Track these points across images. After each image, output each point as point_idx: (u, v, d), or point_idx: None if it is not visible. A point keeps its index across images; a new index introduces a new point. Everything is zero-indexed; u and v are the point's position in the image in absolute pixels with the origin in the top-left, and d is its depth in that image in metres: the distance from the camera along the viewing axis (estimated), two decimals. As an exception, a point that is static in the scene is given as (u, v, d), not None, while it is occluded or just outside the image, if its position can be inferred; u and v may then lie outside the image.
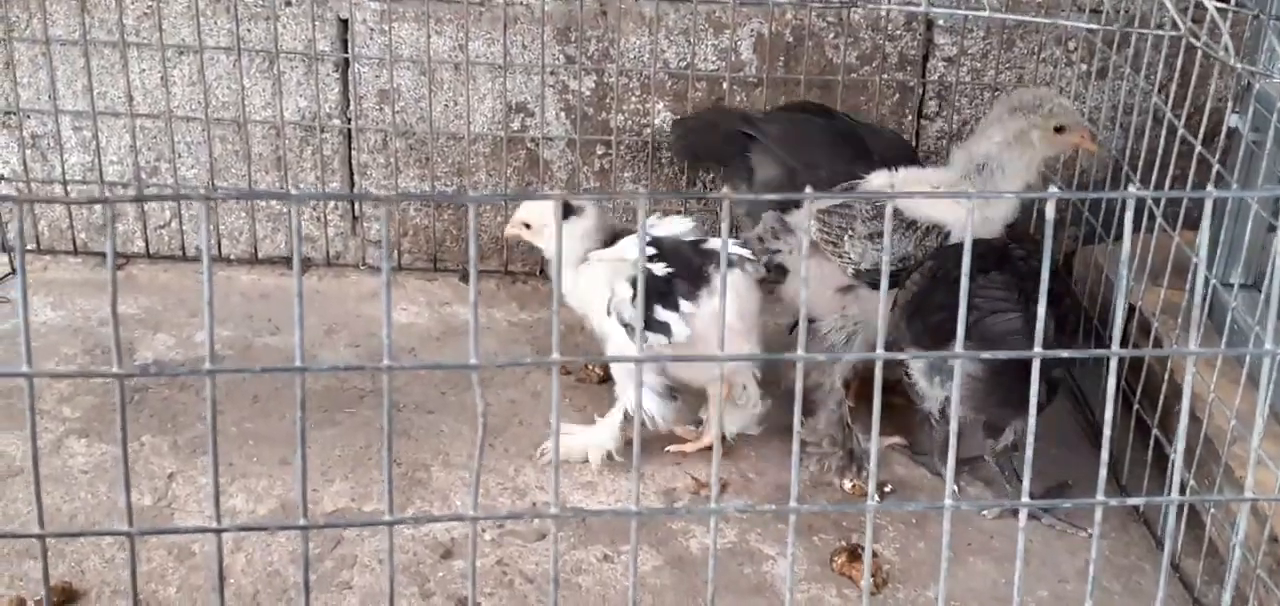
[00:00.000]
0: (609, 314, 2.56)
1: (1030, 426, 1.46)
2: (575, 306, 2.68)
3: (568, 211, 2.63)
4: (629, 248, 2.57)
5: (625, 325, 2.53)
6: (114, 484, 2.51)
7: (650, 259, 2.53)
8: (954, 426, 1.44)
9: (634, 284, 2.50)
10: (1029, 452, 1.46)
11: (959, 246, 2.56)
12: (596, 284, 2.59)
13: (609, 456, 2.63)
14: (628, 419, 2.62)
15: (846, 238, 2.64)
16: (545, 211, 2.67)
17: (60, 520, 2.42)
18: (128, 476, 1.33)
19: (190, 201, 3.28)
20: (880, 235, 2.63)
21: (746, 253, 2.61)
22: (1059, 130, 2.60)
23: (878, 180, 2.67)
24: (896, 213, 2.62)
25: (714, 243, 2.57)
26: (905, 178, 2.67)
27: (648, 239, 2.53)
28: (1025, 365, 2.31)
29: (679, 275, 2.52)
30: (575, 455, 2.64)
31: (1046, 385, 2.41)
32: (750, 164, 2.89)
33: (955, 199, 2.58)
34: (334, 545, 2.40)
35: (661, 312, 2.50)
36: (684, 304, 2.50)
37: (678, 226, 2.64)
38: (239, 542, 2.37)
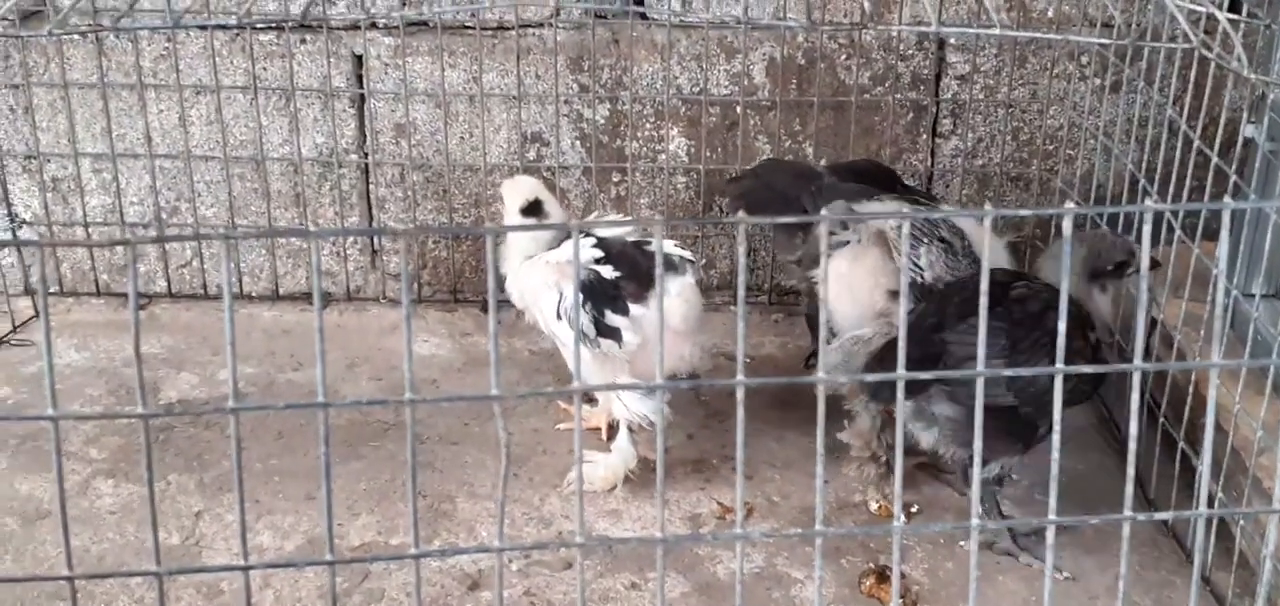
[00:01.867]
0: (559, 317, 2.58)
1: (1056, 447, 1.46)
2: (516, 301, 2.72)
3: (535, 210, 2.68)
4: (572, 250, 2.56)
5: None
6: (142, 524, 2.52)
7: (596, 261, 2.54)
8: (978, 447, 1.44)
9: (589, 288, 2.52)
10: (1054, 468, 1.45)
11: (962, 281, 2.54)
12: (543, 284, 2.62)
13: (629, 476, 2.64)
14: (634, 431, 2.63)
15: (923, 245, 2.64)
16: (516, 192, 2.72)
17: (89, 561, 2.43)
18: (155, 516, 1.33)
19: (211, 241, 3.30)
20: (951, 251, 2.66)
21: (687, 254, 2.60)
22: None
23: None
24: (962, 241, 2.67)
25: (669, 248, 2.58)
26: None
27: (593, 241, 2.58)
28: (1003, 409, 2.31)
29: (626, 278, 2.52)
30: (599, 483, 2.64)
31: (1025, 427, 2.38)
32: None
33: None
34: (362, 579, 2.40)
35: (612, 317, 2.51)
36: (633, 308, 2.51)
37: (620, 228, 2.66)
38: (267, 579, 2.38)
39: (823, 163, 3.14)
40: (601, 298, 2.51)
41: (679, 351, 2.56)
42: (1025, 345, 2.32)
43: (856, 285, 2.63)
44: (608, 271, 2.52)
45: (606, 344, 2.51)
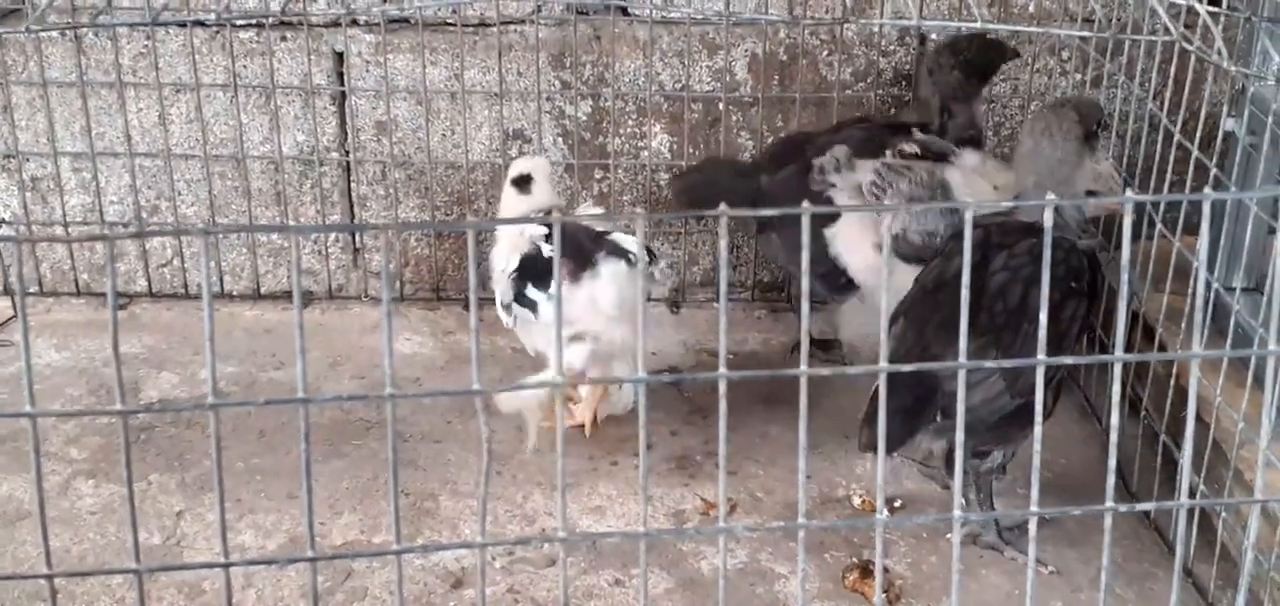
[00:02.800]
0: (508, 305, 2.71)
1: (1037, 440, 1.46)
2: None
3: (524, 183, 2.79)
4: (534, 226, 2.67)
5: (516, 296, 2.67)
6: (122, 524, 2.51)
7: (545, 238, 2.64)
8: (960, 438, 1.44)
9: (524, 260, 2.65)
10: (1036, 460, 1.45)
11: (940, 278, 2.47)
12: (501, 252, 2.74)
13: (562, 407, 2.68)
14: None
15: (889, 196, 2.68)
16: (515, 166, 2.84)
17: (69, 561, 2.42)
18: (134, 513, 1.32)
19: (191, 238, 3.28)
20: (922, 211, 2.68)
21: (633, 246, 2.62)
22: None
23: (953, 171, 2.74)
24: (942, 193, 2.69)
25: (618, 236, 2.64)
26: (966, 164, 2.74)
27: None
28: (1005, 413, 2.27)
29: (567, 256, 2.59)
30: (526, 405, 2.63)
31: (1028, 412, 2.36)
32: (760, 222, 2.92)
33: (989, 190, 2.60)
34: (344, 577, 2.40)
35: (532, 291, 2.64)
36: (566, 286, 2.58)
37: (592, 215, 2.78)
38: (249, 578, 2.37)
39: (747, 156, 3.18)
40: (531, 271, 2.63)
41: (608, 334, 2.62)
42: (1015, 344, 2.28)
43: (853, 241, 2.73)
44: (546, 249, 2.62)
45: (519, 311, 2.66)
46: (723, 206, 1.26)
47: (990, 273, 2.33)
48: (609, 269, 2.59)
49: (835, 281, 2.82)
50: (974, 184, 2.70)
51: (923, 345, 2.34)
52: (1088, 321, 2.40)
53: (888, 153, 2.79)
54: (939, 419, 2.29)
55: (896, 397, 2.29)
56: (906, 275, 2.61)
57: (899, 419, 2.26)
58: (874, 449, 2.27)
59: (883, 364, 1.38)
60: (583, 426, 2.82)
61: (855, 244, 2.76)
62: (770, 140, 3.18)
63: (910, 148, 2.80)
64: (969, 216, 1.36)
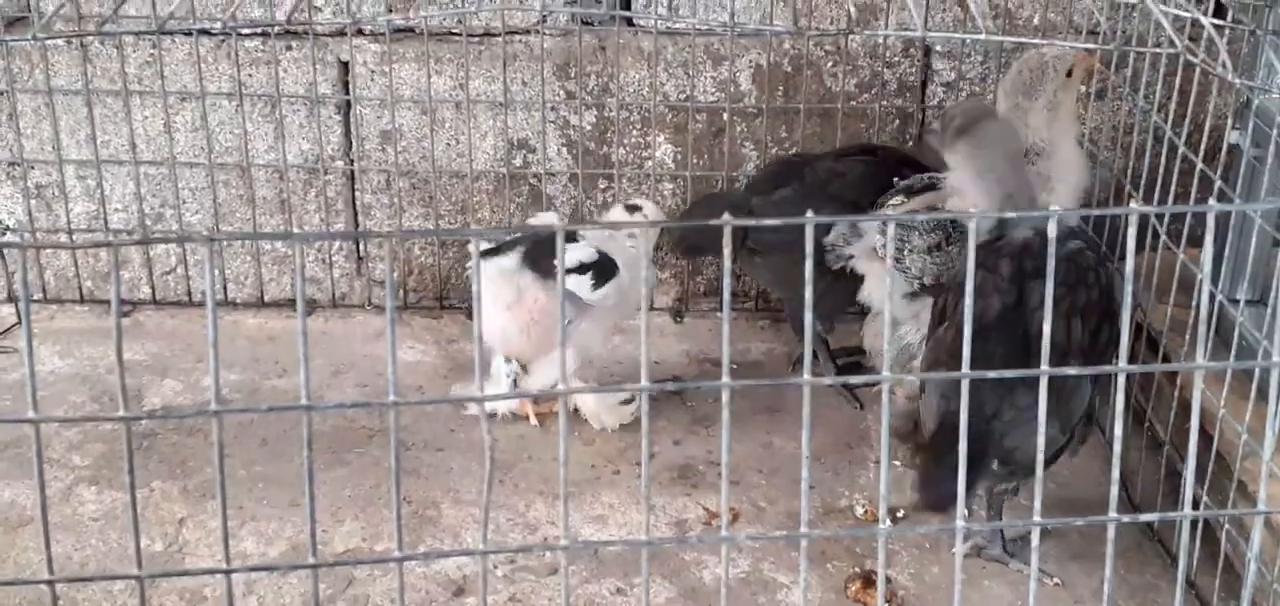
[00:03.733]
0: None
1: (1039, 453, 1.46)
2: None
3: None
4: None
5: None
6: (125, 530, 2.51)
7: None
8: (963, 448, 1.44)
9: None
10: (1039, 471, 1.45)
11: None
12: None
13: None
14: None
15: (906, 251, 2.66)
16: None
17: (71, 568, 2.42)
18: (136, 519, 1.32)
19: (195, 245, 3.29)
20: (938, 248, 2.68)
21: (589, 256, 2.75)
22: (1069, 74, 2.66)
23: (918, 200, 2.73)
24: (953, 224, 2.66)
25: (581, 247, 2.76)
26: (932, 198, 2.71)
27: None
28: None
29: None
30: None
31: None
32: (750, 246, 2.92)
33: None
34: (346, 585, 2.40)
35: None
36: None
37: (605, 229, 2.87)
38: (251, 585, 2.37)
39: (741, 182, 3.17)
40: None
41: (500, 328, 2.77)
42: (1066, 384, 2.22)
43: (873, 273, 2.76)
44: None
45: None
46: (727, 216, 1.26)
47: (1030, 309, 2.27)
48: (490, 267, 2.74)
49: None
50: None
51: (977, 400, 2.20)
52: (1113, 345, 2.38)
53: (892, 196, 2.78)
54: (996, 466, 2.26)
55: (952, 455, 2.24)
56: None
57: (955, 476, 2.22)
58: (939, 508, 2.22)
59: (885, 373, 1.38)
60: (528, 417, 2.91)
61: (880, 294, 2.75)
62: (768, 160, 3.18)
63: (908, 185, 2.79)
64: (972, 228, 1.36)
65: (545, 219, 3.06)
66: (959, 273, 2.51)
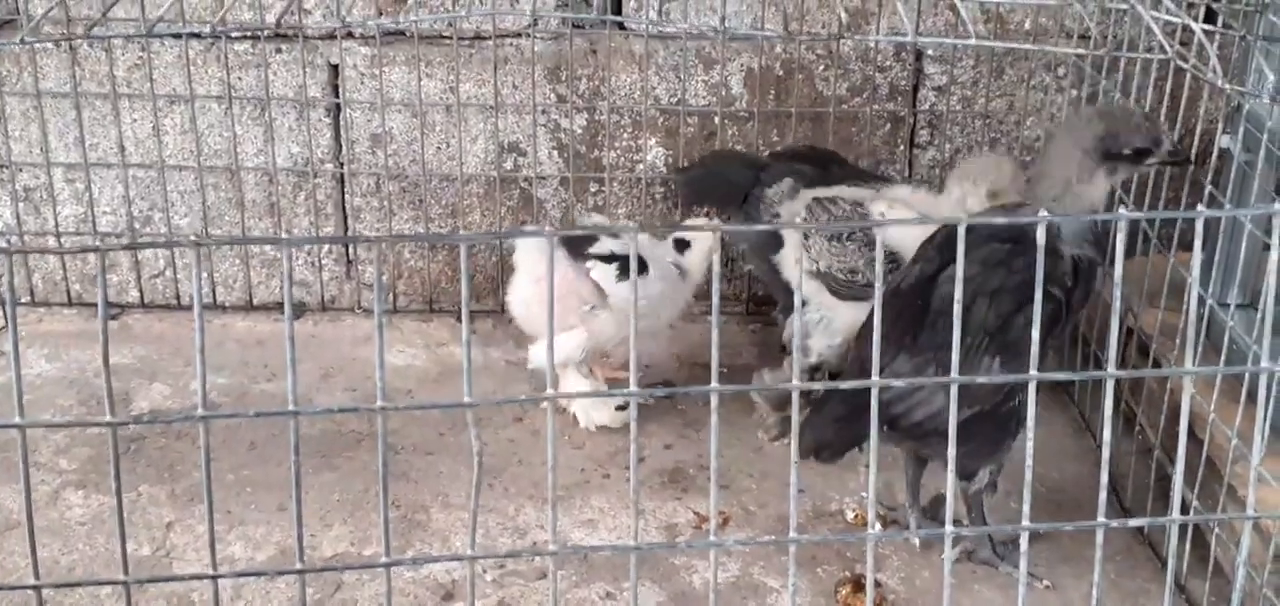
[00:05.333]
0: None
1: (1028, 454, 1.46)
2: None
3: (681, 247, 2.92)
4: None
5: None
6: (112, 535, 2.50)
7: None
8: (951, 454, 1.44)
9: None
10: (1028, 475, 1.45)
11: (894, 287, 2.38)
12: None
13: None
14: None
15: (813, 235, 2.76)
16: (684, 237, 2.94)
17: (58, 572, 2.41)
18: (123, 524, 1.32)
19: (183, 249, 3.28)
20: (838, 239, 2.76)
21: (621, 249, 2.79)
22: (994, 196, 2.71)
23: (878, 202, 2.77)
24: (864, 231, 2.74)
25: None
26: (896, 195, 2.80)
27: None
28: (991, 421, 2.24)
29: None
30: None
31: (1006, 418, 2.35)
32: (753, 203, 2.94)
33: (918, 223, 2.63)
34: (334, 590, 2.39)
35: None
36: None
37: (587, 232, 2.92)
38: (238, 590, 2.36)
39: (766, 152, 3.18)
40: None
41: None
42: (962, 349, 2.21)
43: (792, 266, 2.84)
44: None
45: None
46: (714, 221, 1.26)
47: (938, 283, 2.28)
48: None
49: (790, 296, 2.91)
50: (901, 213, 2.73)
51: (862, 359, 2.31)
52: (1061, 330, 2.34)
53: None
54: (885, 430, 2.26)
55: (834, 407, 2.28)
56: (851, 311, 2.71)
57: (836, 427, 2.25)
58: (813, 454, 2.29)
59: (874, 377, 1.38)
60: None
61: (793, 269, 2.83)
62: (790, 144, 3.19)
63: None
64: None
65: (596, 220, 3.12)
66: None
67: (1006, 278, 2.25)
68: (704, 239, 2.88)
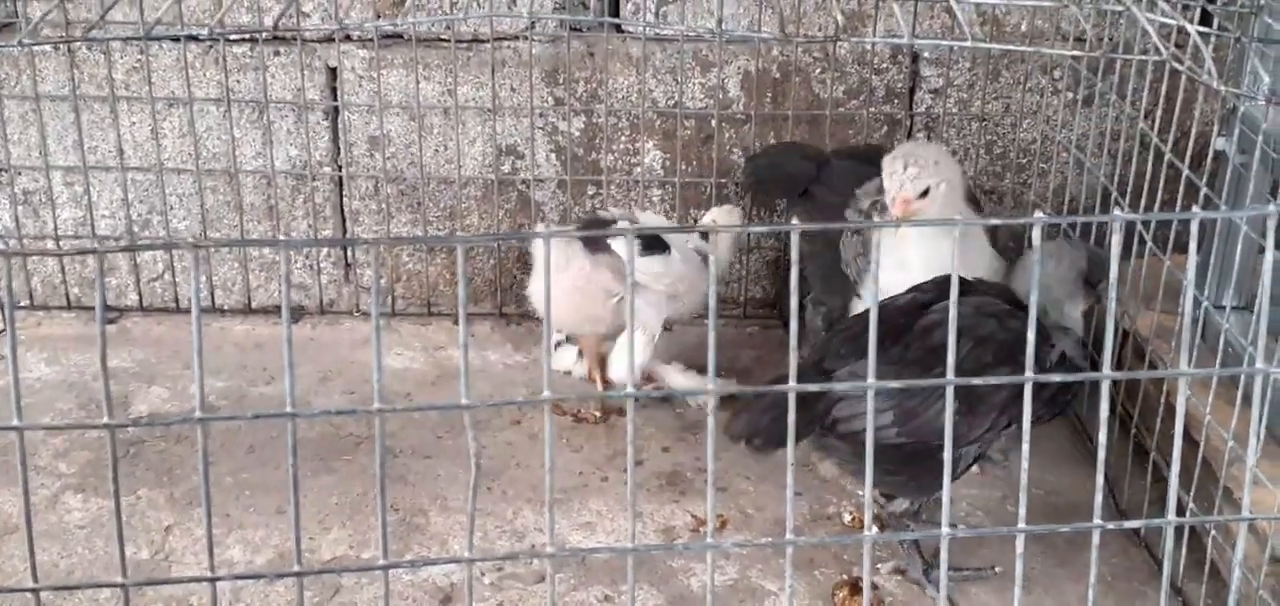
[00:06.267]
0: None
1: (1025, 456, 1.46)
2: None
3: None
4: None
5: None
6: (111, 539, 2.50)
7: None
8: (948, 455, 1.44)
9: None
10: (1024, 478, 1.45)
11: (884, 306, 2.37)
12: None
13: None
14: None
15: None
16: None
17: (57, 575, 2.41)
18: (121, 526, 1.32)
19: (182, 251, 3.28)
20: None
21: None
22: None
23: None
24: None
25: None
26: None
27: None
28: (893, 446, 2.24)
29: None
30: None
31: (918, 464, 2.32)
32: (813, 197, 2.95)
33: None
34: (332, 593, 2.39)
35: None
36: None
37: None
38: (237, 593, 2.36)
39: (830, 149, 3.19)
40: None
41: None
42: (919, 387, 2.21)
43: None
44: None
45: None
46: (713, 220, 1.26)
47: (928, 312, 2.32)
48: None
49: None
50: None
51: (819, 357, 2.36)
52: (1017, 409, 2.31)
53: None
54: (818, 431, 2.29)
55: (768, 399, 2.30)
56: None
57: (772, 418, 2.26)
58: (744, 440, 2.31)
59: (870, 381, 1.38)
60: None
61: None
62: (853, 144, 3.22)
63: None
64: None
65: (616, 214, 3.12)
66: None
67: (996, 330, 2.28)
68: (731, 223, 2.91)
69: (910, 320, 2.32)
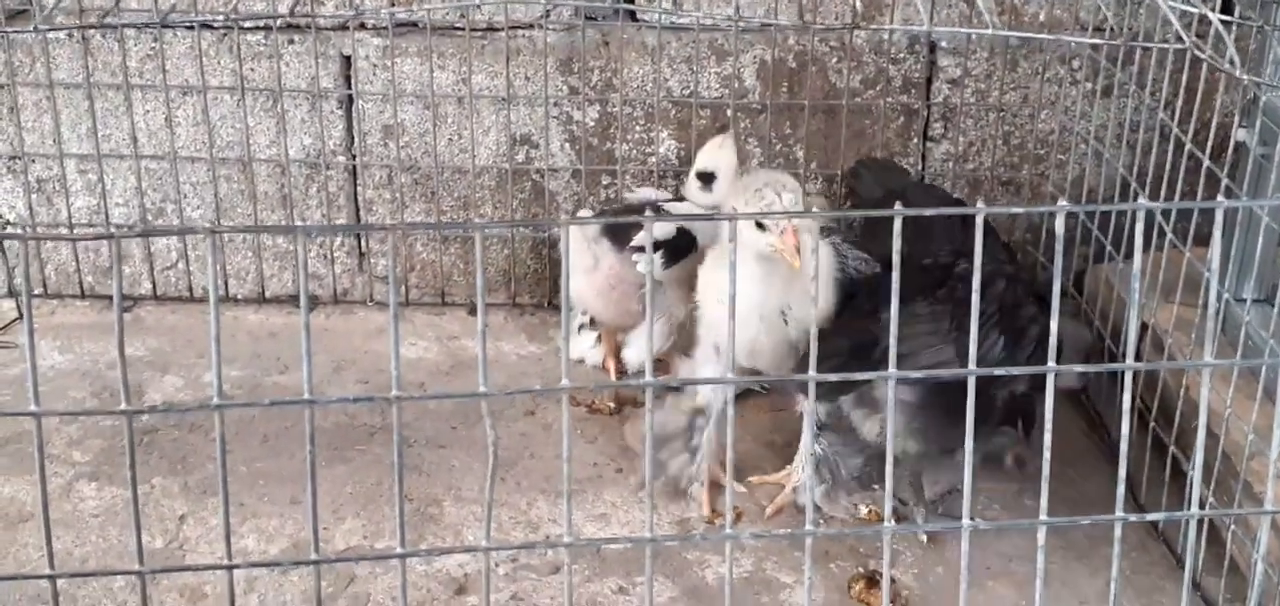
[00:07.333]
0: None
1: (1046, 448, 1.45)
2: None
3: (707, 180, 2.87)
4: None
5: None
6: (125, 527, 2.50)
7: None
8: (969, 449, 1.43)
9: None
10: (1046, 470, 1.44)
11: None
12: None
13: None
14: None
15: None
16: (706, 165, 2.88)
17: (72, 564, 2.41)
18: (138, 514, 1.32)
19: (196, 238, 3.28)
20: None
21: (665, 233, 2.71)
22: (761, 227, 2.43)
23: None
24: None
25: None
26: None
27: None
28: (959, 395, 2.24)
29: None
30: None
31: (1003, 409, 2.34)
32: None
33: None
34: (347, 583, 2.38)
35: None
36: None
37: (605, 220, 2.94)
38: (252, 583, 2.36)
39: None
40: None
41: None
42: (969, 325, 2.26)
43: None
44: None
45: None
46: (734, 208, 1.25)
47: (957, 262, 2.38)
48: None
49: None
50: None
51: (874, 300, 2.34)
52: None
53: None
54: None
55: (834, 342, 2.28)
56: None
57: (837, 364, 2.24)
58: (801, 392, 2.34)
59: (893, 370, 1.37)
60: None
61: None
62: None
63: None
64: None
65: (644, 194, 3.07)
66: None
67: (1018, 273, 2.30)
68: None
69: (945, 272, 2.35)
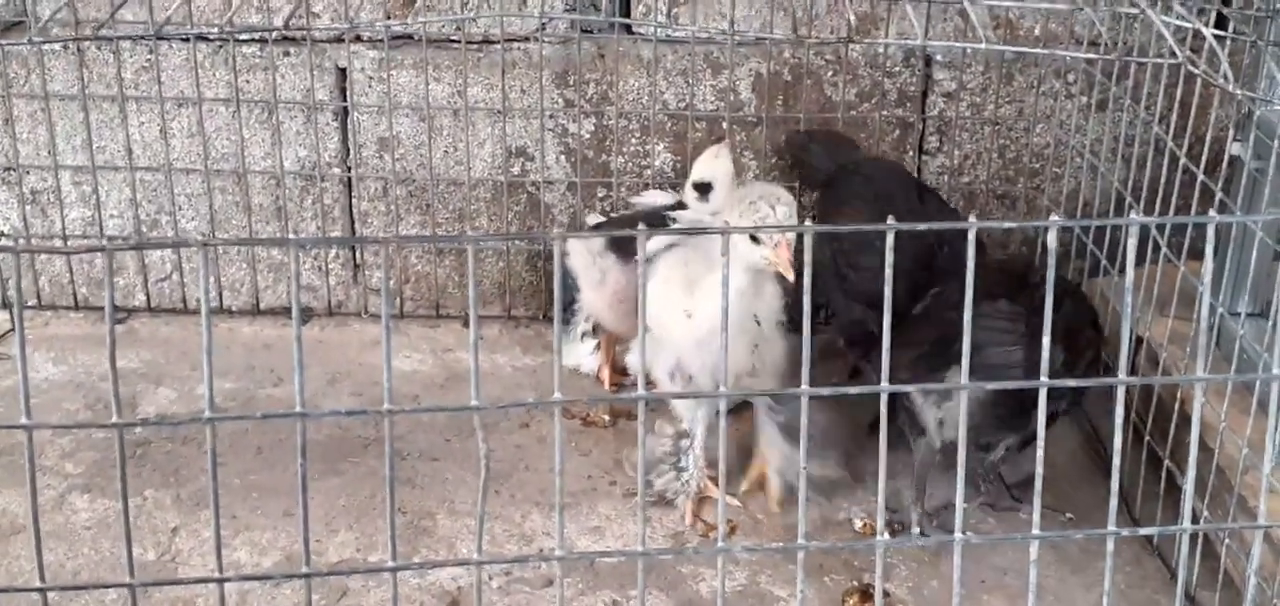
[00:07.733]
0: None
1: (1039, 463, 1.45)
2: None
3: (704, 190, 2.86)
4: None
5: None
6: (117, 539, 2.49)
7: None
8: (961, 456, 1.43)
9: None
10: (1038, 483, 1.44)
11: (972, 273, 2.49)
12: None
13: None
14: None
15: None
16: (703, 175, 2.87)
17: (63, 576, 2.40)
18: (128, 526, 1.31)
19: (190, 251, 3.27)
20: None
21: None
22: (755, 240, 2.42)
23: None
24: None
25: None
26: None
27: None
28: (1018, 394, 2.30)
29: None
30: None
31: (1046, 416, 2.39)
32: (840, 192, 2.94)
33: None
34: (339, 596, 2.38)
35: None
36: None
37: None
38: (244, 595, 2.35)
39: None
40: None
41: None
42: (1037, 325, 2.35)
43: None
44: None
45: None
46: (724, 221, 1.25)
47: (1027, 279, 2.49)
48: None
49: None
50: None
51: (948, 304, 2.44)
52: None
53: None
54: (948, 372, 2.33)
55: (912, 349, 2.37)
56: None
57: (924, 364, 2.34)
58: (847, 340, 2.46)
59: (883, 384, 1.37)
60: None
61: None
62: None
63: None
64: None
65: (651, 198, 3.07)
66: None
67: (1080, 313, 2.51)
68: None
69: (1021, 279, 2.47)
